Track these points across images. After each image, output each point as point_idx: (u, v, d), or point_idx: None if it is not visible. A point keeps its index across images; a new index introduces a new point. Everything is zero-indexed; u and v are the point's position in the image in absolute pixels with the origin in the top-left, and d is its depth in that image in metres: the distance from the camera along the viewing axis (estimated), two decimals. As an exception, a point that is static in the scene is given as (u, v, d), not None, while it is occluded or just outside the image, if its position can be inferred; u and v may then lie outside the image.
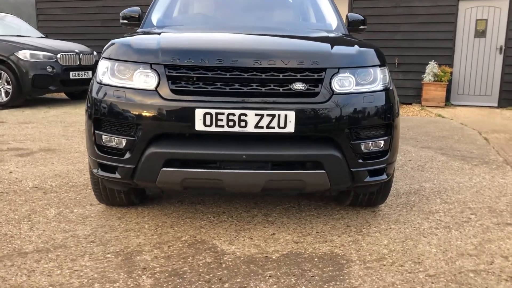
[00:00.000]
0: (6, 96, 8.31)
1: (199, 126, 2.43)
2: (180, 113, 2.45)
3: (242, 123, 2.43)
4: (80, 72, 8.80)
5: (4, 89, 8.32)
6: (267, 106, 2.44)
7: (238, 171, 2.50)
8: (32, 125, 6.58)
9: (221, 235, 2.78)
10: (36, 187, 3.66)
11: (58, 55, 8.42)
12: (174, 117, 2.46)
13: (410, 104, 9.91)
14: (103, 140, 2.62)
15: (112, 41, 2.83)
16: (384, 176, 2.77)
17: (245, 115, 2.42)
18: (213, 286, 2.19)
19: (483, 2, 9.31)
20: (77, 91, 9.61)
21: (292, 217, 3.08)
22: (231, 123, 2.43)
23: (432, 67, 9.26)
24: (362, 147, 2.62)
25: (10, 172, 4.07)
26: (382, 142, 2.69)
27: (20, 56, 8.15)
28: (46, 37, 10.09)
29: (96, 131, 2.64)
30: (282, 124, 2.44)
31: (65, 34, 12.40)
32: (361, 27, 4.15)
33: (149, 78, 2.52)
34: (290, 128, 2.45)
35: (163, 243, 2.64)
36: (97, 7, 12.20)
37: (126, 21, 4.01)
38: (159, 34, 2.98)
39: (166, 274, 2.29)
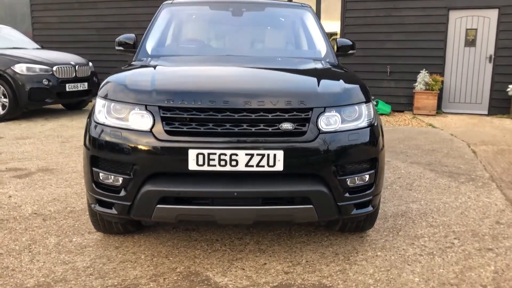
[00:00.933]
0: (3, 109, 8.40)
1: (192, 165, 2.55)
2: (174, 154, 2.57)
3: (233, 162, 2.55)
4: (76, 84, 8.89)
5: (0, 102, 8.41)
6: (257, 145, 2.57)
7: (229, 208, 2.62)
8: (30, 140, 6.68)
9: (215, 265, 2.90)
10: (35, 213, 3.77)
11: (54, 68, 8.51)
12: (168, 157, 2.58)
13: (402, 112, 10.06)
14: (101, 178, 2.74)
15: (108, 79, 2.94)
16: (370, 208, 2.90)
17: (236, 154, 2.55)
18: (206, 322, 2.31)
19: (473, 12, 9.47)
20: (73, 102, 9.70)
21: (283, 245, 3.21)
22: (222, 163, 2.55)
23: (423, 76, 9.41)
24: (348, 182, 2.74)
25: (10, 196, 4.17)
26: (368, 176, 2.82)
27: (17, 70, 8.24)
28: (42, 48, 10.17)
29: (93, 169, 2.76)
30: (271, 163, 2.57)
31: (60, 42, 12.49)
32: (350, 51, 4.28)
33: (144, 118, 2.64)
34: (279, 166, 2.58)
35: (158, 275, 2.76)
36: (91, 16, 12.28)
37: (121, 48, 4.12)
38: (154, 67, 3.11)
39: (162, 309, 2.42)
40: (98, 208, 2.80)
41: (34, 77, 8.31)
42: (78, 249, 3.11)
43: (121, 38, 4.13)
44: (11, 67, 8.25)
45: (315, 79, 2.94)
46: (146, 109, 2.64)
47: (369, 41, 10.11)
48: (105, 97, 2.79)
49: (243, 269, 2.86)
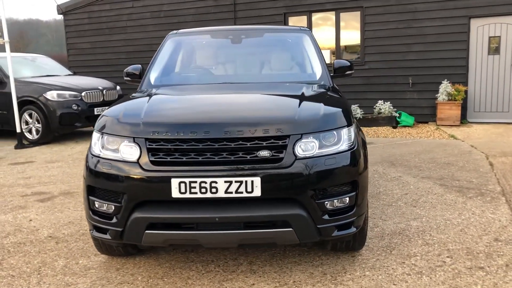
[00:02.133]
0: (37, 134, 8.93)
1: (175, 193, 2.72)
2: (158, 183, 2.75)
3: (213, 190, 2.71)
4: (103, 107, 9.32)
5: (35, 127, 8.94)
6: (235, 173, 2.71)
7: (212, 232, 2.77)
8: (58, 164, 7.08)
9: (205, 286, 3.05)
10: (50, 236, 4.04)
11: (83, 93, 8.98)
12: (153, 186, 2.77)
13: (427, 123, 9.95)
14: (96, 205, 2.95)
15: (103, 113, 3.18)
16: (352, 229, 2.98)
17: (216, 182, 2.70)
18: None
19: (495, 19, 9.30)
20: (102, 124, 10.14)
21: (275, 265, 3.32)
22: (203, 190, 2.71)
23: (445, 87, 9.30)
24: (327, 205, 2.84)
25: (30, 220, 4.49)
26: (348, 198, 2.91)
27: (48, 97, 8.76)
28: (74, 74, 10.74)
29: (90, 197, 2.98)
30: (249, 189, 2.71)
31: (93, 66, 13.10)
32: (348, 72, 4.37)
33: (133, 150, 2.84)
34: (257, 192, 2.71)
35: (151, 296, 2.94)
36: (121, 40, 12.82)
37: (128, 78, 4.40)
38: (149, 99, 3.33)
39: (148, 329, 2.58)
40: (95, 233, 3.02)
41: (64, 102, 8.79)
42: (82, 271, 3.34)
43: (129, 69, 4.40)
44: (43, 94, 8.77)
45: (296, 106, 3.07)
46: (134, 141, 2.85)
47: (390, 53, 10.09)
48: (100, 131, 3.02)
49: (232, 290, 3.00)
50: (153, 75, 4.21)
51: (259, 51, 4.48)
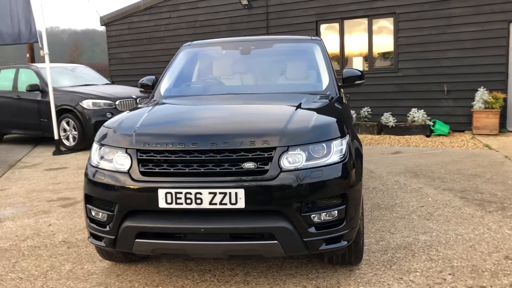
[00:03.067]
0: (74, 141, 9.34)
1: (162, 204, 2.79)
2: (146, 193, 2.82)
3: (198, 201, 2.75)
4: (137, 115, 9.61)
5: (72, 134, 9.35)
6: (219, 185, 2.74)
7: (198, 243, 2.81)
8: (88, 170, 7.35)
9: (196, 295, 3.09)
10: (64, 241, 4.22)
11: (117, 102, 9.30)
12: (142, 196, 2.85)
13: (463, 131, 9.59)
14: (92, 214, 3.06)
15: (104, 124, 3.30)
16: (342, 243, 2.93)
17: (200, 193, 2.74)
18: None
19: (536, 23, 8.86)
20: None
21: (270, 277, 3.31)
22: (188, 201, 2.76)
23: (481, 94, 8.94)
24: (314, 218, 2.81)
25: (49, 225, 4.70)
26: (337, 212, 2.86)
27: (84, 105, 9.14)
28: (112, 83, 11.15)
29: (87, 205, 3.10)
30: (233, 201, 2.73)
31: (133, 75, 13.53)
32: (357, 82, 4.31)
33: (125, 160, 2.93)
34: (241, 204, 2.73)
35: (142, 303, 3.01)
36: (159, 50, 13.17)
37: (142, 89, 4.53)
38: (151, 109, 3.43)
39: (131, 336, 2.65)
40: (92, 240, 3.13)
41: (99, 111, 9.14)
42: (84, 276, 3.46)
43: (143, 80, 4.55)
44: (80, 103, 9.16)
45: (286, 118, 3.06)
46: (126, 152, 2.94)
47: (424, 60, 9.82)
48: (98, 142, 3.14)
49: (221, 300, 3.02)
50: (163, 86, 4.33)
51: (266, 62, 4.51)
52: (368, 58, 10.53)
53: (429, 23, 9.70)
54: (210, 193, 2.74)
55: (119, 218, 2.90)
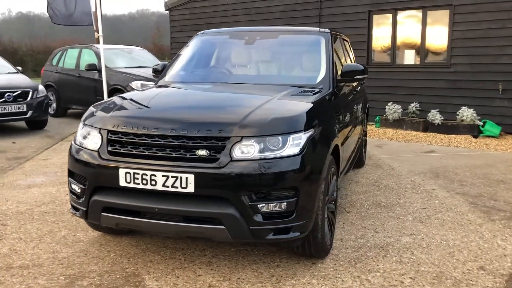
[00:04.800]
0: (123, 119, 9.92)
1: (122, 182, 3.01)
2: (110, 171, 3.05)
3: (153, 182, 2.94)
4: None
5: (122, 113, 9.93)
6: (173, 169, 2.90)
7: (154, 221, 3.00)
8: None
9: (158, 270, 3.29)
10: (72, 210, 4.60)
11: (164, 84, 9.73)
12: (107, 174, 3.08)
13: (517, 134, 8.96)
14: (72, 186, 3.36)
15: (91, 106, 3.58)
16: (292, 234, 2.98)
17: (155, 175, 2.93)
18: (105, 315, 2.74)
19: None
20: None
21: (233, 261, 3.44)
22: (144, 182, 2.95)
23: (537, 95, 8.28)
24: (263, 208, 2.89)
25: (67, 194, 5.13)
26: (286, 204, 2.92)
27: (133, 86, 9.65)
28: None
29: (69, 178, 3.40)
30: (183, 185, 2.88)
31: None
32: (358, 77, 4.25)
33: (98, 140, 3.18)
34: (191, 188, 2.88)
35: (107, 272, 3.27)
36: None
37: (154, 74, 4.79)
38: (135, 94, 3.68)
39: (83, 300, 2.91)
40: (72, 211, 3.43)
41: (146, 92, 9.62)
42: (72, 243, 3.79)
43: (156, 65, 4.79)
44: (130, 84, 9.70)
45: (250, 110, 3.14)
46: (99, 132, 3.19)
47: (480, 56, 9.25)
48: (83, 121, 3.42)
49: (178, 277, 3.20)
50: (169, 72, 4.55)
51: (267, 53, 4.56)
52: (420, 51, 10.09)
53: (488, 16, 9.09)
54: (163, 176, 2.91)
55: (89, 192, 3.16)
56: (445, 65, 9.68)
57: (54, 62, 12.16)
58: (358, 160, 6.01)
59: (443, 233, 3.97)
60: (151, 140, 3.01)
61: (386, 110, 10.00)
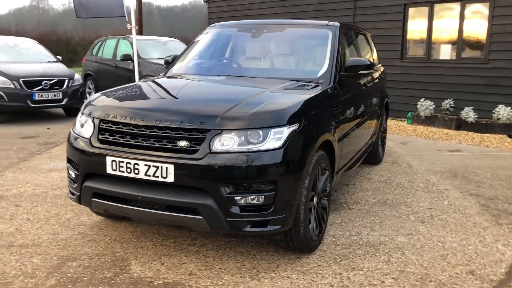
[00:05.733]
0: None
1: (109, 170, 3.12)
2: (99, 159, 3.17)
3: (136, 171, 3.03)
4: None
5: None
6: (154, 158, 2.98)
7: (138, 209, 3.10)
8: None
9: (146, 256, 3.40)
10: (83, 195, 4.81)
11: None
12: (96, 161, 3.20)
13: (556, 135, 8.47)
14: (69, 172, 3.52)
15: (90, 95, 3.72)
16: (270, 228, 3.00)
17: (138, 164, 3.02)
18: (84, 296, 2.87)
19: None
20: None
21: (220, 251, 3.50)
22: (128, 170, 3.05)
23: None
24: (240, 201, 2.92)
25: (83, 179, 5.36)
26: (263, 197, 2.94)
27: (164, 76, 9.87)
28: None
29: (67, 164, 3.56)
30: (164, 175, 2.96)
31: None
32: (362, 72, 4.19)
33: (90, 128, 3.31)
34: (170, 178, 2.95)
35: (98, 255, 3.41)
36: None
37: (165, 66, 4.91)
38: (135, 85, 3.80)
39: (69, 280, 3.05)
40: (69, 195, 3.59)
41: (176, 83, 9.82)
42: (74, 226, 3.97)
43: (169, 57, 4.91)
44: (160, 74, 9.90)
45: (234, 102, 3.17)
46: (93, 121, 3.32)
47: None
48: (81, 110, 3.56)
49: (163, 263, 3.30)
50: (177, 64, 4.64)
51: (272, 46, 4.54)
52: (457, 46, 9.71)
53: (530, 10, 8.62)
54: (145, 165, 3.00)
55: (81, 178, 3.31)
56: (483, 61, 9.27)
57: (94, 52, 12.62)
58: (373, 156, 5.90)
59: (442, 235, 3.86)
60: (137, 130, 3.11)
61: (418, 106, 9.71)
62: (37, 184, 5.12)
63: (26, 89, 8.88)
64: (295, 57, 4.41)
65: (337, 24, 4.53)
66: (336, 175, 4.00)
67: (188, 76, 4.31)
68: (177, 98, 3.55)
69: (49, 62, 10.20)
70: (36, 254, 3.42)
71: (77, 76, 9.83)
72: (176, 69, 4.54)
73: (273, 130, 2.98)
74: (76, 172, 3.37)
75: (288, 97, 3.43)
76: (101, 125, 3.25)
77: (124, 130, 3.15)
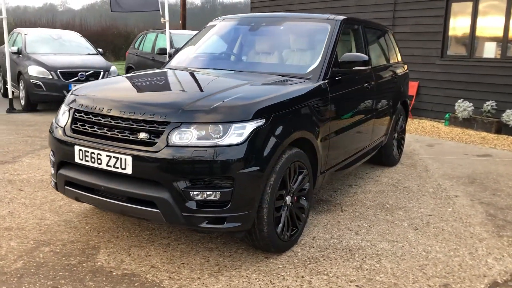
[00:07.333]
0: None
1: (77, 159, 3.18)
2: (69, 148, 3.24)
3: (99, 161, 3.06)
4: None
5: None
6: (115, 149, 3.00)
7: (103, 199, 3.14)
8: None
9: (116, 246, 3.43)
10: (85, 183, 4.95)
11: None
12: (66, 150, 3.26)
13: None
14: (50, 159, 3.62)
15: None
16: (228, 225, 2.93)
17: (100, 155, 3.05)
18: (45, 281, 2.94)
19: None
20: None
21: (191, 246, 3.47)
22: (92, 160, 3.09)
23: None
24: (197, 196, 2.87)
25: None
26: (220, 193, 2.87)
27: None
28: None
29: (50, 152, 3.67)
30: (123, 166, 2.97)
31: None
32: (357, 68, 4.00)
33: (66, 117, 3.39)
34: (129, 170, 2.95)
35: (72, 242, 3.49)
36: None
37: (168, 58, 4.94)
38: (118, 77, 3.85)
39: (34, 264, 3.14)
40: (52, 184, 3.70)
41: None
42: (63, 212, 4.09)
43: (171, 50, 4.95)
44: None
45: (200, 96, 3.13)
46: (69, 110, 3.39)
47: None
48: (64, 101, 3.65)
49: (129, 255, 3.32)
50: (177, 56, 4.66)
51: (268, 40, 4.43)
52: (502, 44, 9.07)
53: None
54: (107, 155, 3.02)
55: (56, 166, 3.39)
56: (528, 60, 8.61)
57: (136, 45, 12.98)
58: (385, 158, 5.65)
59: (430, 244, 3.62)
60: (104, 121, 3.14)
61: (456, 107, 9.19)
62: (46, 171, 5.33)
63: (62, 79, 9.27)
64: (289, 51, 4.28)
65: (340, 18, 4.35)
66: (322, 175, 3.84)
67: (178, 69, 4.30)
68: (148, 90, 3.55)
69: (89, 54, 10.60)
70: (16, 237, 3.55)
71: (113, 68, 10.13)
72: (173, 62, 4.55)
73: (234, 125, 2.91)
74: (53, 160, 3.46)
75: (261, 91, 3.33)
76: (75, 115, 3.31)
77: (93, 120, 3.19)
